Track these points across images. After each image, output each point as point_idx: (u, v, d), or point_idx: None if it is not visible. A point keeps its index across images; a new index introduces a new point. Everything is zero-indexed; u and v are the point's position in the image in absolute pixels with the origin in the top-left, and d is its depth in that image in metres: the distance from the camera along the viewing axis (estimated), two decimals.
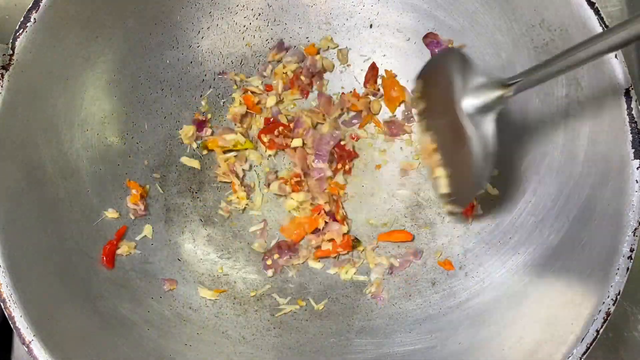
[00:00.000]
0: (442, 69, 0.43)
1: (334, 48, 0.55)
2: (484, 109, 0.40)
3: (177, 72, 0.52)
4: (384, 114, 0.54)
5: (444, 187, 0.45)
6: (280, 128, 0.53)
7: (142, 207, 0.49)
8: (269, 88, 0.54)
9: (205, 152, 0.53)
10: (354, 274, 0.51)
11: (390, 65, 0.54)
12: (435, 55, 0.47)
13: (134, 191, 0.49)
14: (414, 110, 0.51)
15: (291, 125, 0.53)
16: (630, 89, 0.39)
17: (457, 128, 0.41)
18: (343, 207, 0.52)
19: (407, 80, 0.54)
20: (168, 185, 0.52)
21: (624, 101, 0.39)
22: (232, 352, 0.45)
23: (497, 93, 0.39)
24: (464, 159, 0.41)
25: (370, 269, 0.51)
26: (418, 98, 0.48)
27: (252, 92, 0.54)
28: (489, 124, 0.40)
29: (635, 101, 0.39)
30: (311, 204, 0.52)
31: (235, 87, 0.54)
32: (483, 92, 0.40)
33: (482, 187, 0.43)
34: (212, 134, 0.54)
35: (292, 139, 0.53)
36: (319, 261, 0.51)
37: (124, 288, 0.45)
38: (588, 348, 0.37)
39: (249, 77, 0.54)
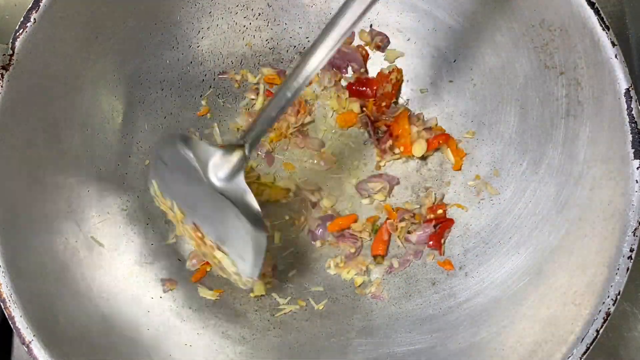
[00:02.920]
0: (173, 159, 0.42)
1: None
2: (230, 177, 0.40)
3: (177, 72, 0.52)
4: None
5: (229, 266, 0.43)
6: None
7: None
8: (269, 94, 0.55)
9: None
10: (355, 274, 0.51)
11: (390, 64, 0.54)
12: (156, 152, 0.45)
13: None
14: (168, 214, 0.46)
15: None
16: (630, 89, 0.39)
17: (213, 205, 0.41)
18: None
19: (407, 80, 0.54)
20: None
21: (624, 101, 0.39)
22: (232, 352, 0.45)
23: (237, 156, 0.40)
24: (235, 232, 0.41)
25: (370, 269, 0.51)
26: (163, 200, 0.45)
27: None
28: (240, 188, 0.40)
29: (635, 101, 0.39)
30: None
31: (253, 86, 0.54)
32: (222, 162, 0.40)
33: (263, 250, 0.41)
34: None
35: None
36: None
37: (124, 288, 0.45)
38: (588, 348, 0.37)
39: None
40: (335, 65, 0.54)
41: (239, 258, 0.42)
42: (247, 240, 0.41)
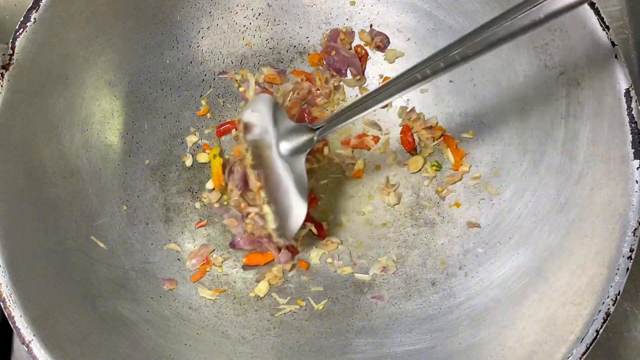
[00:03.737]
0: (259, 113, 0.48)
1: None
2: (296, 151, 0.47)
3: (177, 72, 0.52)
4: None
5: (271, 222, 0.48)
6: None
7: None
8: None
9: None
10: (354, 272, 0.51)
11: (390, 65, 0.54)
12: (253, 100, 0.50)
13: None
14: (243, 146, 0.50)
15: None
16: (630, 89, 0.39)
17: (276, 168, 0.47)
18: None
19: None
20: (168, 185, 0.52)
21: (624, 101, 0.39)
22: (232, 352, 0.45)
23: (306, 137, 0.47)
24: (284, 195, 0.47)
25: (369, 268, 0.51)
26: (244, 139, 0.49)
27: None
28: (301, 164, 0.47)
29: (636, 101, 0.39)
30: None
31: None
32: (294, 137, 0.47)
33: (302, 220, 0.47)
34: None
35: None
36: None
37: (124, 288, 0.45)
38: (588, 348, 0.37)
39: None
40: (335, 68, 0.54)
41: (281, 218, 0.48)
42: (291, 206, 0.47)
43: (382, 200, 0.53)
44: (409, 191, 0.53)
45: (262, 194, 0.48)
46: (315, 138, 0.46)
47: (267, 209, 0.48)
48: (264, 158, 0.48)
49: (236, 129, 0.51)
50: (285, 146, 0.47)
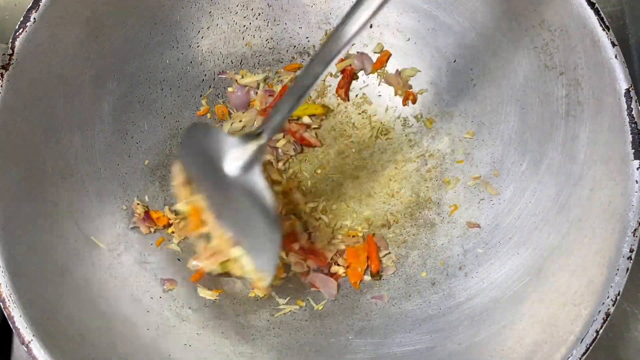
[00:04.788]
0: (194, 146, 0.42)
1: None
2: (248, 166, 0.39)
3: (177, 72, 0.52)
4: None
5: (248, 264, 0.41)
6: None
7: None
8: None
9: None
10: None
11: (390, 65, 0.54)
12: (184, 137, 0.45)
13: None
14: (180, 205, 0.45)
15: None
16: (630, 89, 0.39)
17: (234, 197, 0.40)
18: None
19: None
20: (168, 185, 0.52)
21: (624, 101, 0.39)
22: (231, 352, 0.45)
23: (254, 146, 0.39)
24: (253, 224, 0.40)
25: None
26: (186, 189, 0.44)
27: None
28: (257, 179, 0.39)
29: (636, 101, 0.39)
30: None
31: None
32: (239, 152, 0.39)
33: (279, 238, 0.40)
34: None
35: None
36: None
37: (124, 288, 0.45)
38: (588, 348, 0.37)
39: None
40: None
41: (256, 252, 0.41)
42: (263, 232, 0.40)
43: (382, 201, 0.53)
44: (408, 192, 0.53)
45: (226, 237, 0.42)
46: (263, 142, 0.39)
47: (236, 252, 0.42)
48: (216, 192, 0.42)
49: (179, 191, 0.45)
50: (233, 166, 0.40)
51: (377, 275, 0.50)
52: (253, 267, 0.41)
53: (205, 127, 0.42)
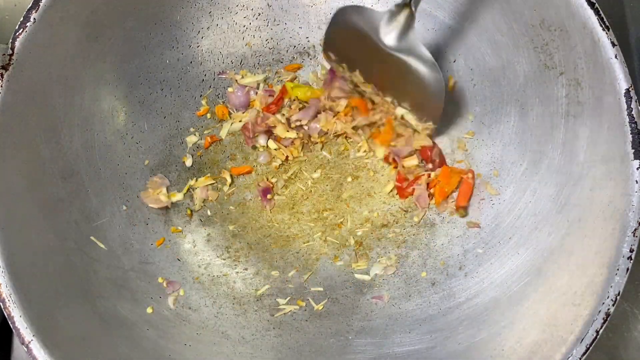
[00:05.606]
0: (346, 25, 0.46)
1: None
2: (402, 34, 0.44)
3: (177, 72, 0.52)
4: None
5: (412, 119, 0.48)
6: None
7: None
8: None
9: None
10: (357, 268, 0.51)
11: None
12: (333, 18, 0.48)
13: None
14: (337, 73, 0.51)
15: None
16: (630, 89, 0.39)
17: (393, 65, 0.45)
18: None
19: None
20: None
21: (624, 101, 0.39)
22: (231, 352, 0.45)
23: (404, 16, 0.43)
24: (415, 82, 0.45)
25: (370, 268, 0.51)
26: (337, 61, 0.50)
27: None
28: (414, 41, 0.44)
29: (635, 101, 0.39)
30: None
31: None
32: (392, 25, 0.44)
33: (442, 86, 0.45)
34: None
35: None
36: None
37: (124, 288, 0.45)
38: (588, 348, 0.37)
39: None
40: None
41: (419, 109, 0.47)
42: (425, 86, 0.45)
43: (382, 201, 0.53)
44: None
45: (388, 99, 0.47)
46: (413, 10, 0.43)
47: (400, 110, 0.48)
48: (373, 65, 0.47)
49: (326, 60, 0.51)
50: (390, 38, 0.45)
51: (460, 210, 0.50)
52: (416, 121, 0.48)
53: (353, 9, 0.46)
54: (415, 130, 0.50)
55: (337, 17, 0.48)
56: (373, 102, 0.51)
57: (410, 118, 0.48)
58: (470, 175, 0.50)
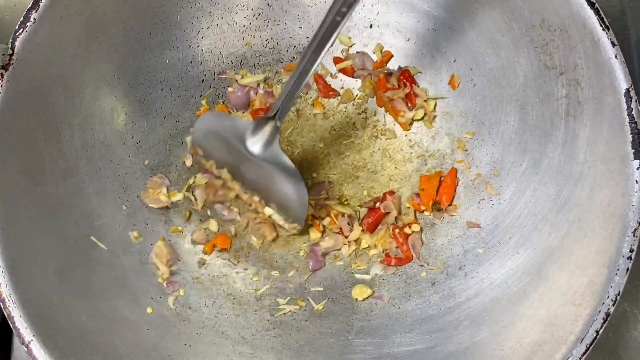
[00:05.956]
0: (211, 130, 0.49)
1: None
2: (267, 145, 0.47)
3: (177, 72, 0.52)
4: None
5: (279, 219, 0.50)
6: None
7: None
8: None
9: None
10: (357, 268, 0.51)
11: (390, 65, 0.54)
12: (200, 122, 0.50)
13: None
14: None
15: None
16: (630, 89, 0.39)
17: (259, 170, 0.48)
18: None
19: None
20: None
21: (624, 101, 0.39)
22: (231, 352, 0.45)
23: (268, 128, 0.46)
24: (280, 189, 0.48)
25: (370, 268, 0.51)
26: (205, 161, 0.52)
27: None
28: (277, 152, 0.47)
29: (635, 101, 0.39)
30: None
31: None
32: (258, 134, 0.46)
33: (306, 200, 0.47)
34: None
35: None
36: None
37: (124, 288, 0.45)
38: (588, 348, 0.37)
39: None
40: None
41: (285, 211, 0.49)
42: (291, 194, 0.48)
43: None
44: (408, 191, 0.53)
45: (256, 198, 0.50)
46: (278, 124, 0.46)
47: (268, 210, 0.50)
48: (240, 168, 0.49)
49: (193, 155, 0.52)
50: (255, 146, 0.47)
51: (436, 205, 0.51)
52: (283, 221, 0.50)
53: (218, 116, 0.49)
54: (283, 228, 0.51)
55: (202, 123, 0.49)
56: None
57: (278, 218, 0.50)
58: (449, 172, 0.51)
